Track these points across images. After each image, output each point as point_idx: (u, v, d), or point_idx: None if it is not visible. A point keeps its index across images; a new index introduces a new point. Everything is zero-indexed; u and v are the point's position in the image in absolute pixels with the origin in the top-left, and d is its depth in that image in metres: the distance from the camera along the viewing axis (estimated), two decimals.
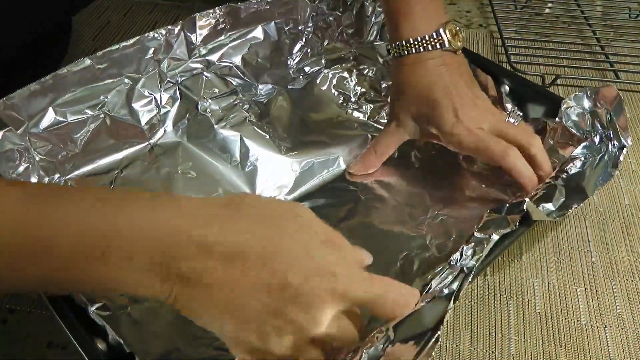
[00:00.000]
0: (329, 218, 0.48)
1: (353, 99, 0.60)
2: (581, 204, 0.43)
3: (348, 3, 0.61)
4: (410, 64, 0.48)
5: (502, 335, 0.42)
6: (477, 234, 0.40)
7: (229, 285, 0.29)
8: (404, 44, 0.48)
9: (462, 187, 0.51)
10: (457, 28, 0.49)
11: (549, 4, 0.80)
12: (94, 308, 0.38)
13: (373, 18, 0.62)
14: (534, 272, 0.46)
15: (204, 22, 0.53)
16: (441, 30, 0.48)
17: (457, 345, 0.41)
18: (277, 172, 0.52)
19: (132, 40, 0.49)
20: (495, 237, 0.39)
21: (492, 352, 0.41)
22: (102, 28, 0.73)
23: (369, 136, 0.56)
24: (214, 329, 0.31)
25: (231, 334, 0.30)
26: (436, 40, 0.47)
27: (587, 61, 0.70)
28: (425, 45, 0.48)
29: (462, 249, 0.39)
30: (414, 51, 0.48)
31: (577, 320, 0.43)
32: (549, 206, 0.42)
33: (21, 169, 0.44)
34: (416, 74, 0.48)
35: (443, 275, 0.37)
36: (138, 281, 0.29)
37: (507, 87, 0.56)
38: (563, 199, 0.43)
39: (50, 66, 0.63)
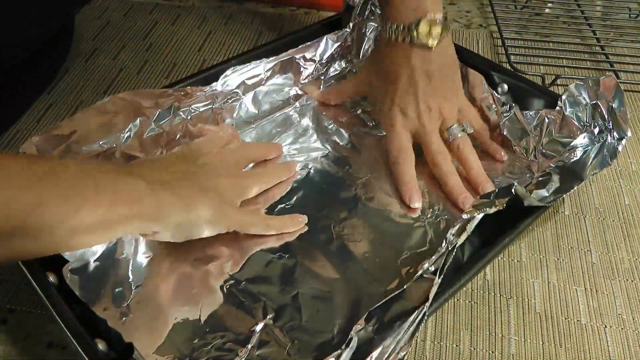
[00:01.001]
0: (330, 217, 0.48)
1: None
2: (574, 188, 0.45)
3: (351, 25, 0.63)
4: (383, 46, 0.52)
5: (502, 335, 0.42)
6: (464, 216, 0.41)
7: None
8: (383, 25, 0.52)
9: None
10: (437, 25, 0.49)
11: (549, 4, 0.80)
12: (95, 306, 0.38)
13: (368, 34, 0.63)
14: (534, 272, 0.46)
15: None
16: (413, 24, 0.49)
17: (457, 345, 0.41)
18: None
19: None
20: (479, 215, 0.40)
21: (492, 352, 0.41)
22: (102, 28, 0.73)
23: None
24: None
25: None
26: (406, 33, 0.50)
27: (587, 61, 0.70)
28: (396, 34, 0.50)
29: (448, 231, 0.40)
30: (386, 35, 0.51)
31: (577, 320, 0.43)
32: (543, 192, 0.43)
33: None
34: (383, 55, 0.53)
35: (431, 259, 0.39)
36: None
37: (505, 86, 0.56)
38: (557, 185, 0.44)
39: (53, 66, 0.64)
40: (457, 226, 0.40)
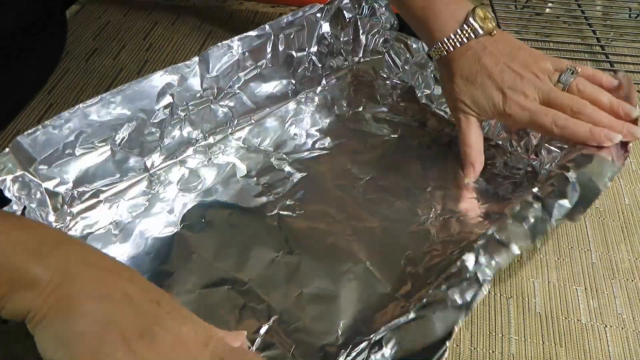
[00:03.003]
0: (333, 215, 0.48)
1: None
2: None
3: (347, 20, 0.62)
4: (453, 60, 0.50)
5: (502, 335, 0.42)
6: (496, 236, 0.39)
7: None
8: (440, 45, 0.50)
9: (465, 185, 0.52)
10: (485, 10, 0.50)
11: (549, 4, 0.80)
12: None
13: (367, 33, 0.63)
14: (534, 272, 0.46)
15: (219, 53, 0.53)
16: (470, 19, 0.49)
17: (457, 345, 0.41)
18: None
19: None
20: (515, 250, 0.38)
21: (492, 351, 0.41)
22: (102, 28, 0.73)
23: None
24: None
25: None
26: (468, 32, 0.49)
27: (588, 61, 0.70)
28: (460, 40, 0.49)
29: (478, 251, 0.38)
30: (451, 49, 0.50)
31: (577, 320, 0.43)
32: (565, 203, 0.41)
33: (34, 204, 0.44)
34: (460, 68, 0.50)
35: (455, 281, 0.36)
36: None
37: None
38: (577, 194, 0.42)
39: (47, 63, 0.64)
40: (486, 247, 0.38)
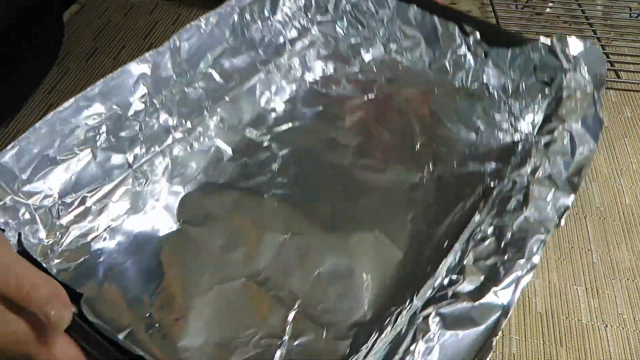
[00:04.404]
0: (329, 187, 0.48)
1: None
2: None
3: None
4: None
5: (502, 335, 0.42)
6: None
7: None
8: None
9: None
10: None
11: (550, 4, 0.80)
12: (121, 336, 0.36)
13: None
14: (534, 272, 0.46)
15: None
16: None
17: None
18: None
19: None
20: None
21: (493, 351, 0.41)
22: (102, 28, 0.73)
23: None
24: None
25: None
26: None
27: None
28: None
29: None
30: None
31: (578, 320, 0.43)
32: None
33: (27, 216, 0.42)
34: None
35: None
36: None
37: (477, 35, 0.56)
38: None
39: (44, 63, 0.63)
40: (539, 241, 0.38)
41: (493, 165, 0.49)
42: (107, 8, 0.77)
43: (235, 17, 0.55)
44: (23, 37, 0.58)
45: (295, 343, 0.38)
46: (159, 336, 0.38)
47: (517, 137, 0.49)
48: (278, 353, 0.37)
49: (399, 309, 0.38)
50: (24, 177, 0.41)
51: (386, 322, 0.36)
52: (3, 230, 0.37)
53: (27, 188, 0.42)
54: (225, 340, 0.38)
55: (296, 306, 0.40)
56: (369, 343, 0.37)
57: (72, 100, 0.44)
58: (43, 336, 0.31)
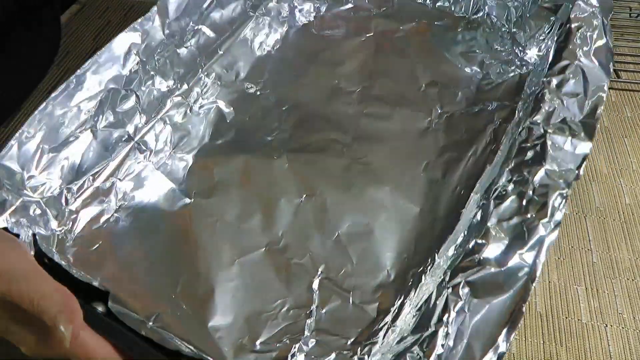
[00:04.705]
0: (337, 139, 0.47)
1: None
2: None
3: None
4: None
5: None
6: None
7: None
8: None
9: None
10: None
11: None
12: (150, 323, 0.35)
13: None
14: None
15: None
16: None
17: None
18: None
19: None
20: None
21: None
22: (102, 28, 0.73)
23: None
24: None
25: None
26: None
27: None
28: None
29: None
30: None
31: (578, 319, 0.43)
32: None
33: (38, 212, 0.41)
34: None
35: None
36: None
37: None
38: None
39: (40, 63, 0.63)
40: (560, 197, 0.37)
41: (501, 102, 0.48)
42: (107, 8, 0.77)
43: None
44: (20, 35, 0.58)
45: (323, 311, 0.38)
46: (188, 318, 0.38)
47: (524, 70, 0.47)
48: (307, 323, 0.37)
49: (421, 268, 0.38)
50: (29, 172, 0.41)
51: (410, 283, 0.36)
52: (18, 236, 0.37)
53: (32, 182, 0.41)
54: (254, 314, 0.38)
55: (320, 272, 0.40)
56: (396, 306, 0.37)
57: (64, 84, 0.43)
58: (84, 352, 0.31)
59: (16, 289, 0.30)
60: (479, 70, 0.51)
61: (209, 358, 0.32)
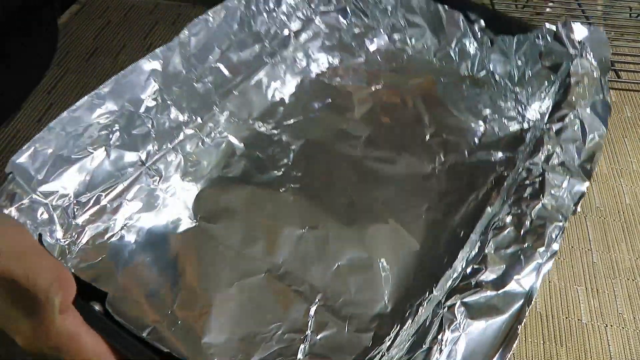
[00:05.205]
0: (343, 179, 0.48)
1: None
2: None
3: None
4: None
5: None
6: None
7: None
8: None
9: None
10: None
11: (550, 4, 0.80)
12: (145, 334, 0.36)
13: None
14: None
15: None
16: None
17: None
18: None
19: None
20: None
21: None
22: (102, 28, 0.73)
23: None
24: None
25: None
26: None
27: None
28: None
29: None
30: None
31: (578, 320, 0.43)
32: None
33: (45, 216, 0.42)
34: None
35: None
36: None
37: (482, 23, 0.56)
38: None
39: (38, 63, 0.63)
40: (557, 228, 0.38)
41: (503, 154, 0.50)
42: (107, 8, 0.77)
43: (242, 9, 0.55)
44: (20, 35, 0.58)
45: (318, 337, 0.38)
46: (183, 333, 0.38)
47: (525, 125, 0.50)
48: (301, 347, 0.38)
49: (419, 301, 0.38)
50: (40, 177, 0.41)
51: (407, 314, 0.36)
52: None
53: (43, 188, 0.42)
54: (248, 335, 0.38)
55: (317, 300, 0.40)
56: (392, 335, 0.37)
57: (85, 98, 0.44)
58: (72, 334, 0.31)
59: (14, 267, 0.30)
60: (482, 123, 0.53)
61: None
